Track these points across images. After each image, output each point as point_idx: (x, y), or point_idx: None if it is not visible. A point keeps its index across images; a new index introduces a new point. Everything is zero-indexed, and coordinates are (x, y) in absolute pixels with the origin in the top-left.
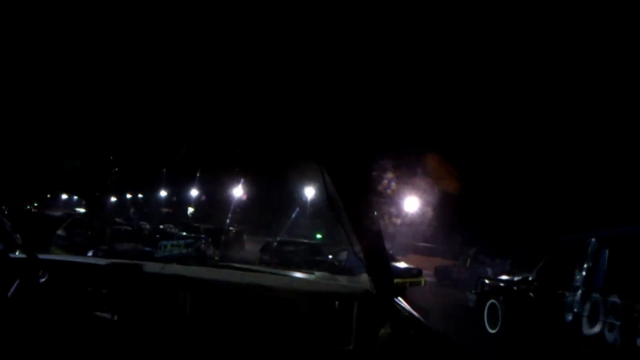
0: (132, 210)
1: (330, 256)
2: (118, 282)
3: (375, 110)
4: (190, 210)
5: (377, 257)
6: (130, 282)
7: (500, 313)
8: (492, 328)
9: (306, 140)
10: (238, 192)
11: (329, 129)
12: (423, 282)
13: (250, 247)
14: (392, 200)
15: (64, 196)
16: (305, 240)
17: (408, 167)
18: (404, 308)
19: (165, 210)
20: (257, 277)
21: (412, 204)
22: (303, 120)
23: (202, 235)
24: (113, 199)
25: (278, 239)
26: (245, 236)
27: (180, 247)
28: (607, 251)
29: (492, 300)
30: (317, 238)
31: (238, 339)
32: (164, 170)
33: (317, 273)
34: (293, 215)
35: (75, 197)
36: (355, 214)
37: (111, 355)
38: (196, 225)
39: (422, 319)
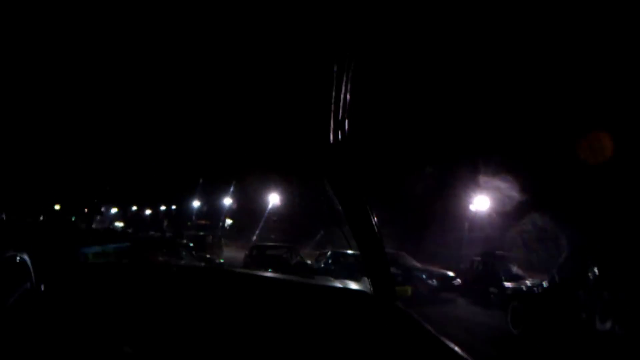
0: (165, 222)
1: (309, 261)
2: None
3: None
4: (228, 222)
5: (376, 261)
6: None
7: (522, 314)
8: (516, 329)
9: (309, 153)
10: (274, 200)
11: (329, 143)
12: (409, 291)
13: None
14: (457, 200)
15: (102, 209)
16: (285, 245)
17: (477, 162)
18: (404, 311)
19: (202, 222)
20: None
21: (481, 204)
22: (307, 136)
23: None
24: (148, 211)
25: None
26: (223, 241)
27: (108, 256)
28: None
29: (514, 303)
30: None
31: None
32: (200, 181)
33: (317, 277)
34: (321, 231)
35: (114, 211)
36: (355, 220)
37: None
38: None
39: (422, 322)
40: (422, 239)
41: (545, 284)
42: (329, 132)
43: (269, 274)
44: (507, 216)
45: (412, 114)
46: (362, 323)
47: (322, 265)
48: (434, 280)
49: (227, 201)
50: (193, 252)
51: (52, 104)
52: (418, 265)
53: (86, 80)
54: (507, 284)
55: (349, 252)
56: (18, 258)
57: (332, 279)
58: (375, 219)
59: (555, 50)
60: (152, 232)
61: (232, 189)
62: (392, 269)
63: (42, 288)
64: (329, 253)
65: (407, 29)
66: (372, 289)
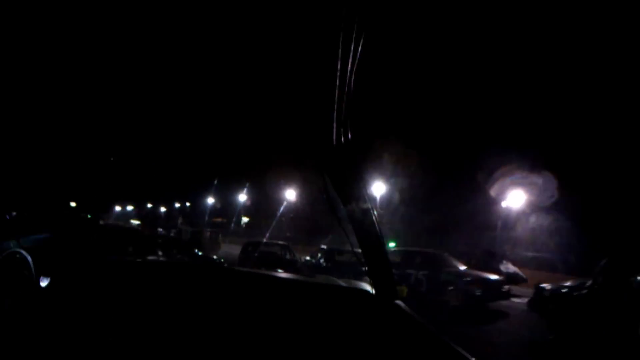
0: (180, 219)
1: (308, 257)
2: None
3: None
4: (245, 219)
5: (377, 259)
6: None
7: (560, 317)
8: (553, 333)
9: (311, 150)
10: (289, 198)
11: (331, 141)
12: (405, 292)
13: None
14: (487, 196)
15: (118, 208)
16: (279, 242)
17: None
18: (405, 311)
19: (217, 219)
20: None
21: (515, 201)
22: (308, 134)
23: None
24: (162, 209)
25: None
26: (220, 237)
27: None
28: None
29: (551, 306)
30: (389, 247)
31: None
32: (216, 180)
33: (318, 276)
34: (329, 236)
35: (129, 209)
36: (356, 217)
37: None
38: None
39: (423, 321)
40: (451, 237)
41: (586, 285)
42: (332, 132)
43: (267, 273)
44: (543, 214)
45: (441, 109)
46: (362, 321)
47: (314, 261)
48: (478, 290)
49: (242, 198)
50: (190, 251)
51: (69, 105)
52: (463, 268)
53: (103, 82)
54: (544, 285)
55: (342, 248)
56: (18, 255)
57: (334, 278)
58: (376, 214)
59: (597, 48)
60: (160, 230)
61: (246, 187)
62: (425, 273)
63: (42, 285)
64: (323, 249)
65: (436, 23)
66: (372, 287)
